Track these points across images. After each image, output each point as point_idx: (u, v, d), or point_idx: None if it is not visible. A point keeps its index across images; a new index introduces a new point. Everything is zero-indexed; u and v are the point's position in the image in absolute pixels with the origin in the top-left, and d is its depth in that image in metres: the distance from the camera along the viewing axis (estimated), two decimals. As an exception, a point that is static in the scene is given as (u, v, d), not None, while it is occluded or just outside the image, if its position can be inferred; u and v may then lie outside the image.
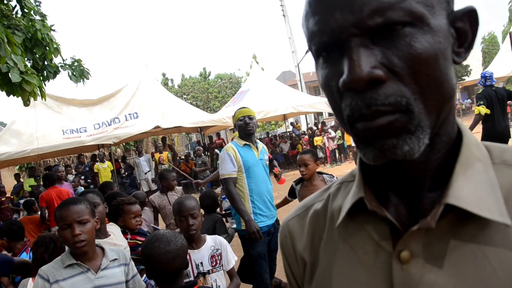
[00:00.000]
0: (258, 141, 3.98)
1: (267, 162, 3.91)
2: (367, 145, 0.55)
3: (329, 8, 0.54)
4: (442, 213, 0.54)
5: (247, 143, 3.78)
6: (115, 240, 2.70)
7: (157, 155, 13.48)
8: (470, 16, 0.58)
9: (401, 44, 0.51)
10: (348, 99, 0.54)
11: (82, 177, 12.48)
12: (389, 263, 0.57)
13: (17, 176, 13.62)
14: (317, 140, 16.34)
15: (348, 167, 14.37)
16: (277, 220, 3.85)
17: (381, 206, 0.59)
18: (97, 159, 13.25)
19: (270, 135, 24.00)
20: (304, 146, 16.79)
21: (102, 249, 2.21)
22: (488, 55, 29.43)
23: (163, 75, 38.58)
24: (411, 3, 0.51)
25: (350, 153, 16.56)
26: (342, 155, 16.64)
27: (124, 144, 19.59)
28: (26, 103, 4.70)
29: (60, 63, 6.36)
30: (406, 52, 0.51)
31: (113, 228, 2.88)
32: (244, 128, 3.75)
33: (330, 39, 0.54)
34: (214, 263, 2.57)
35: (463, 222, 0.54)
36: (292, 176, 15.28)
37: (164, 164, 13.08)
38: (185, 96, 36.40)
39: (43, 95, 5.15)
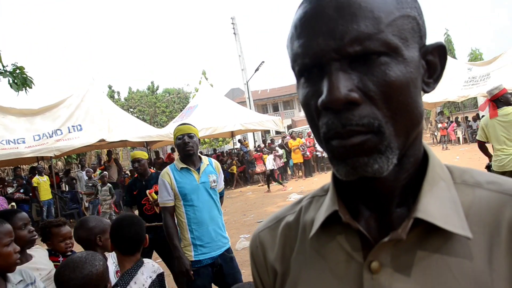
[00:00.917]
0: (204, 158, 3.46)
1: (215, 184, 3.37)
2: (340, 162, 0.58)
3: (313, 33, 0.58)
4: (410, 227, 0.59)
5: (185, 166, 3.29)
6: (37, 264, 2.47)
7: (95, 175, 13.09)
8: (440, 51, 0.64)
9: (377, 72, 0.55)
10: (325, 117, 0.58)
11: (21, 190, 11.74)
12: (359, 273, 0.61)
13: None
14: (265, 158, 16.48)
15: (293, 184, 14.64)
16: (228, 250, 3.36)
17: (353, 219, 0.63)
18: (36, 172, 12.60)
19: (217, 151, 23.99)
20: (258, 164, 16.86)
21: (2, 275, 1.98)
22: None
23: (110, 87, 37.73)
24: (387, 35, 0.56)
25: (296, 171, 16.88)
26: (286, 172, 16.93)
27: (66, 157, 18.83)
28: None
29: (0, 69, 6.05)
30: (381, 79, 0.55)
31: (36, 251, 2.63)
32: (183, 148, 3.27)
33: (312, 61, 0.59)
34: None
35: (429, 235, 0.59)
36: (238, 193, 15.30)
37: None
38: (131, 110, 35.74)
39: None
